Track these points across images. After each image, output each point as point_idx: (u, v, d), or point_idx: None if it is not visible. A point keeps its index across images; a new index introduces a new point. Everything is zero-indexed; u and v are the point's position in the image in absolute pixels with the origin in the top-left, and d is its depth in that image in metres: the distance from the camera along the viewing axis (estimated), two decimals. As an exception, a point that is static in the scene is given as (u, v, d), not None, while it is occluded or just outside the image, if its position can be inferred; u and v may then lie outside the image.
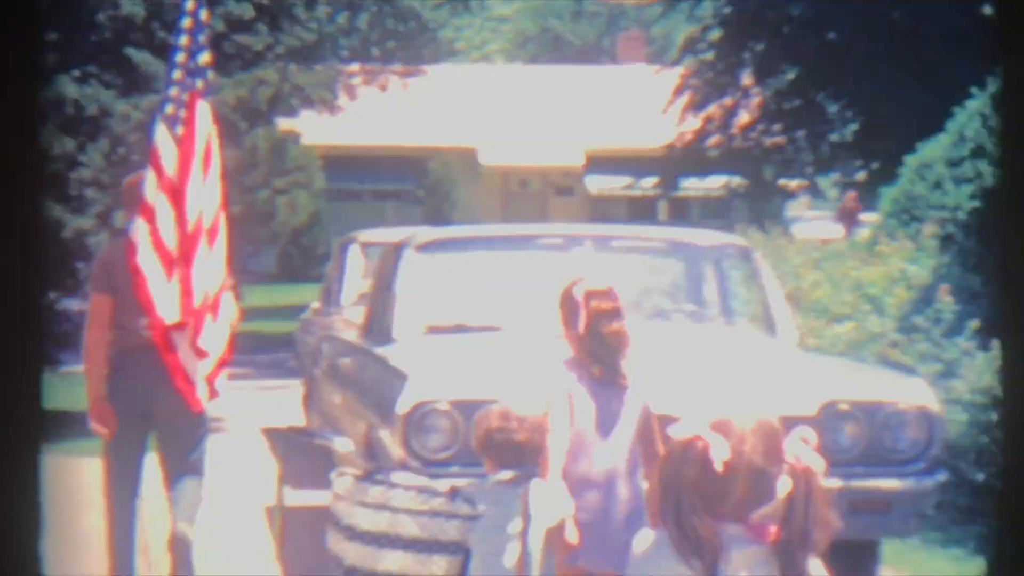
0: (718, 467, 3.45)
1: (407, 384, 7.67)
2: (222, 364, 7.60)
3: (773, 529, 3.51)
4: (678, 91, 27.46)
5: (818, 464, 3.51)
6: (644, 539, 3.64)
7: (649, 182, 30.47)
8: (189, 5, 7.86)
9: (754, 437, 3.51)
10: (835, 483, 7.53)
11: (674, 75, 28.00)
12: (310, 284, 26.99)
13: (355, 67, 31.46)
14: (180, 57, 7.80)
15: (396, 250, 9.51)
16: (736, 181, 27.99)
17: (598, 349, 6.11)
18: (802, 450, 3.52)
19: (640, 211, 39.25)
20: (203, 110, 7.71)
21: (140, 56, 15.20)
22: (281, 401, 15.61)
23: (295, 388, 14.05)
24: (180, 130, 7.63)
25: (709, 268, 9.69)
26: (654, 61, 40.36)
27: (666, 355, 8.12)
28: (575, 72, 46.88)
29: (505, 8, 59.50)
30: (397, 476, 5.54)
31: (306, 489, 7.94)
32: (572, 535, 5.74)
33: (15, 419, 2.13)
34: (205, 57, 7.84)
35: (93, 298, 7.80)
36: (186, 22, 7.91)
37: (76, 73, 15.31)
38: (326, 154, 35.49)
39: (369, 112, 35.88)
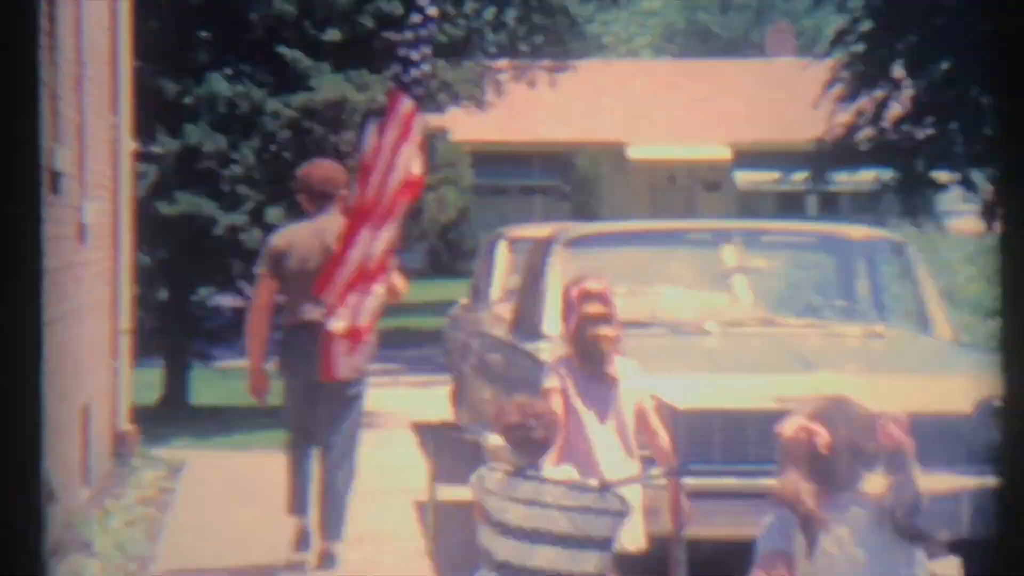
0: (823, 451, 4.22)
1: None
2: (359, 338, 8.13)
3: (874, 493, 4.24)
4: (828, 84, 27.15)
5: (907, 441, 4.23)
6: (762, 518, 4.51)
7: (799, 176, 30.15)
8: (415, 18, 8.76)
9: (849, 421, 4.26)
10: (991, 482, 7.40)
11: (824, 68, 27.70)
12: (458, 280, 27.10)
13: (503, 63, 31.49)
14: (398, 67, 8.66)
15: (545, 246, 9.51)
16: (887, 175, 27.60)
17: (585, 349, 6.55)
18: (893, 429, 4.23)
19: (789, 206, 38.89)
20: (405, 105, 8.35)
21: (292, 54, 15.33)
22: (430, 397, 15.69)
23: (444, 384, 14.11)
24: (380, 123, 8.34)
25: (861, 263, 9.56)
26: (803, 54, 39.96)
27: (817, 351, 8.02)
28: (723, 66, 46.58)
29: (653, 2, 59.28)
30: (548, 472, 5.53)
31: (457, 484, 7.96)
32: None
33: (13, 415, 2.13)
34: (418, 72, 8.65)
35: (259, 280, 8.57)
36: (409, 35, 8.75)
37: (228, 71, 15.48)
38: (474, 150, 35.60)
39: (517, 108, 35.93)
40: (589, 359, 6.56)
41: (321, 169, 8.76)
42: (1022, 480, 2.12)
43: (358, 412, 8.52)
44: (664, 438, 6.64)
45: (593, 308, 6.56)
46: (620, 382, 6.62)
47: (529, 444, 5.77)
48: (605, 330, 6.54)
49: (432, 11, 8.82)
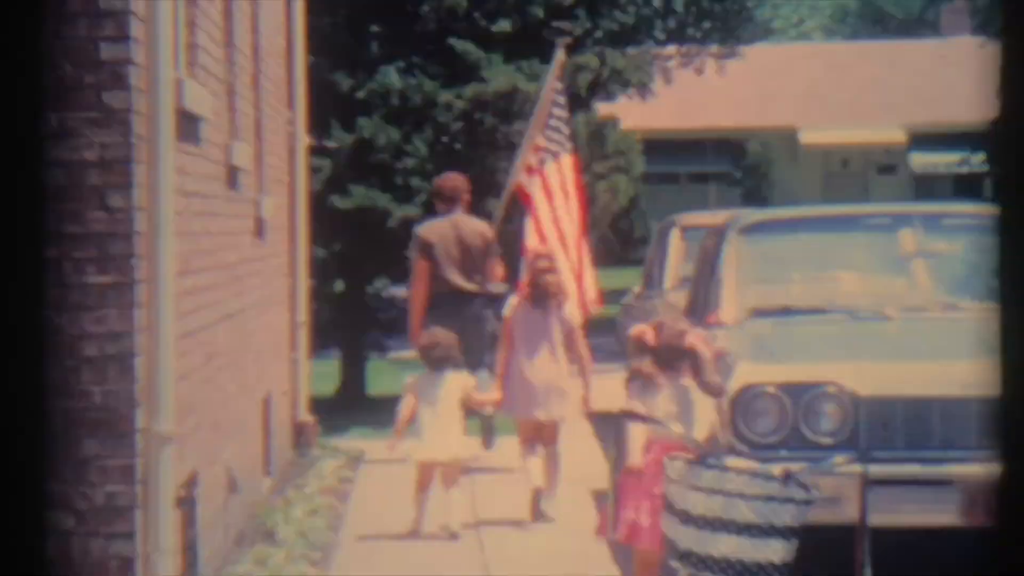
0: (652, 344, 6.89)
1: (734, 367, 7.61)
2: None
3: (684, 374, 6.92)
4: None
5: (702, 347, 6.99)
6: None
7: (979, 158, 29.61)
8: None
9: (670, 331, 6.96)
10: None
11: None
12: (629, 268, 27.03)
13: (671, 50, 31.34)
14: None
15: (720, 233, 9.45)
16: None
17: (533, 291, 9.77)
18: (693, 340, 6.98)
19: (966, 189, 38.23)
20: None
21: (463, 46, 15.40)
22: (604, 385, 15.66)
23: (617, 372, 14.08)
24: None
25: (1045, 245, 9.35)
26: (980, 32, 39.22)
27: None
28: (897, 47, 45.91)
29: (823, -16, 58.57)
30: (730, 461, 5.49)
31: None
32: (484, 396, 9.99)
33: (14, 419, 2.12)
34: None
35: (418, 262, 11.54)
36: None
37: (400, 64, 15.61)
38: (645, 138, 35.49)
39: (687, 95, 35.78)
40: (535, 297, 9.73)
41: (451, 179, 11.82)
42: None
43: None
44: (583, 350, 9.85)
45: (541, 263, 9.86)
46: (555, 314, 9.76)
47: (432, 360, 9.49)
48: (550, 278, 9.76)
49: None
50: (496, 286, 11.72)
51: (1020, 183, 2.08)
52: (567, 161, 12.14)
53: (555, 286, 9.80)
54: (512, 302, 10.03)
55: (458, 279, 11.42)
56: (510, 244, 12.53)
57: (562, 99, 12.23)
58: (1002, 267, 2.15)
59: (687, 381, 6.86)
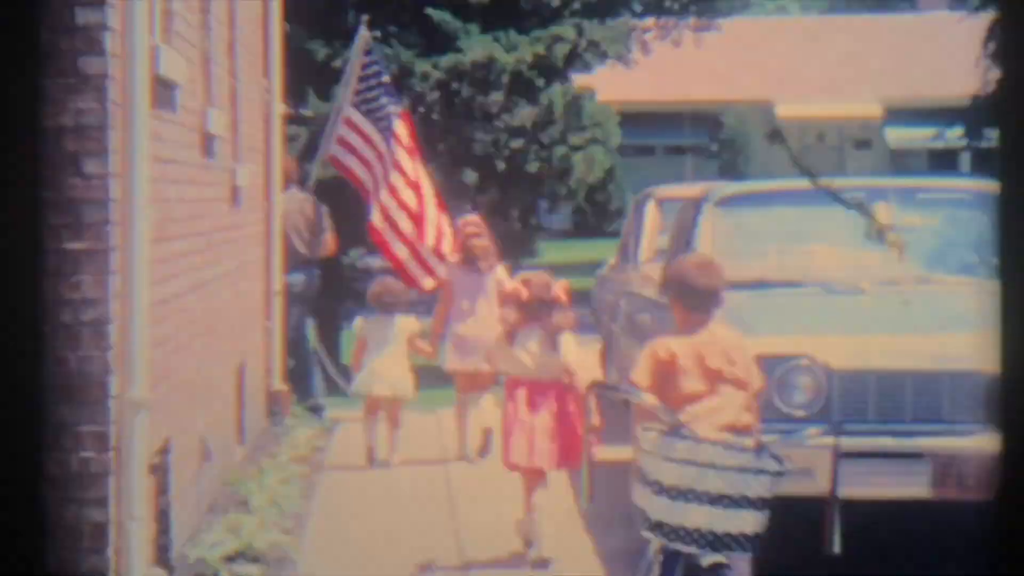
0: (524, 298, 7.94)
1: (708, 339, 7.60)
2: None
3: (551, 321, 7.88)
4: (985, 39, 26.59)
5: (558, 295, 7.89)
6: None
7: (955, 133, 29.64)
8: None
9: (536, 285, 7.94)
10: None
11: (979, 22, 27.15)
12: (605, 240, 27.04)
13: (649, 21, 31.26)
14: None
15: (695, 205, 9.46)
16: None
17: (466, 253, 10.73)
18: (554, 291, 7.92)
19: (942, 163, 38.28)
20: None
21: (440, 15, 15.37)
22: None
23: (592, 344, 14.09)
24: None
25: (1019, 220, 9.37)
26: (956, 7, 39.23)
27: (974, 310, 7.89)
28: (873, 20, 45.89)
29: (801, -42, 58.50)
30: (703, 432, 5.49)
31: (609, 444, 7.97)
32: (424, 346, 10.83)
33: (10, 413, 2.12)
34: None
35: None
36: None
37: (377, 33, 15.55)
38: (622, 110, 35.42)
39: (664, 67, 35.71)
40: (468, 259, 10.69)
41: (284, 160, 12.88)
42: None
43: None
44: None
45: (471, 229, 10.79)
46: (488, 275, 10.62)
47: (384, 305, 10.70)
48: (477, 242, 10.66)
49: None
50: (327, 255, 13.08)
51: (1018, 156, 2.07)
52: (400, 123, 12.74)
53: (482, 249, 10.68)
54: (447, 265, 11.24)
55: (303, 250, 12.71)
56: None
57: (374, 69, 12.89)
58: (1002, 241, 2.15)
59: (553, 327, 7.77)
